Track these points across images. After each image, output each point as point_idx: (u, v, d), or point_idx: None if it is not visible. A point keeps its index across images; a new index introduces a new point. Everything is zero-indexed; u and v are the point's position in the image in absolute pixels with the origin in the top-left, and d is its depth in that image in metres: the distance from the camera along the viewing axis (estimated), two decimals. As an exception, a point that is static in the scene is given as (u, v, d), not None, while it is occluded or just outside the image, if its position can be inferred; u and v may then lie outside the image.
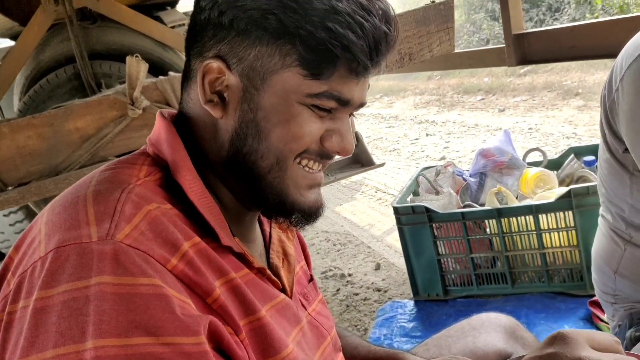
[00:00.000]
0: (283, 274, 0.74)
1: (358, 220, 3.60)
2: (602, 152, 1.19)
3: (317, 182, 0.69)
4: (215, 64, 0.63)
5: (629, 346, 1.21)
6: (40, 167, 1.72)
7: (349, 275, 2.73)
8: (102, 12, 2.49)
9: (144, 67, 1.64)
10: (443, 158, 4.75)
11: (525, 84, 7.30)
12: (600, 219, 1.29)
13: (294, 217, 0.69)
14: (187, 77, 0.69)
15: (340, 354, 0.83)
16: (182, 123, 0.69)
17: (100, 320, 0.49)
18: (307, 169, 0.67)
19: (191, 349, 0.51)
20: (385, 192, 4.07)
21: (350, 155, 2.81)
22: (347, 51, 0.60)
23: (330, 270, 2.84)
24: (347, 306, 2.41)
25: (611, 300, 1.27)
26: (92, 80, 2.42)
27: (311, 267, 0.88)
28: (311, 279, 0.84)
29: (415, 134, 6.26)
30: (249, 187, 0.67)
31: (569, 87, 6.46)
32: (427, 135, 6.08)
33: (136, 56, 1.63)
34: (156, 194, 0.61)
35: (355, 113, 0.71)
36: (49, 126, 1.69)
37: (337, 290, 2.58)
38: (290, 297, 0.72)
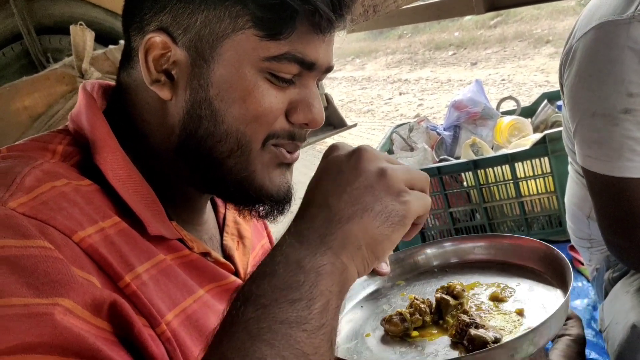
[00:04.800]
0: (237, 256, 0.69)
1: (335, 184, 3.56)
2: (563, 98, 1.17)
3: (287, 160, 0.62)
4: (159, 38, 0.56)
5: (608, 287, 1.19)
6: (-11, 152, 1.61)
7: (329, 239, 2.70)
8: (46, -17, 2.34)
9: (90, 35, 1.53)
10: (417, 115, 4.71)
11: (496, 35, 7.25)
12: (570, 167, 1.27)
13: (261, 206, 0.62)
14: (126, 55, 0.62)
15: None
16: (119, 102, 0.62)
17: None
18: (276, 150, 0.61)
19: (47, 309, 0.45)
20: (361, 154, 4.03)
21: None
22: (306, 3, 0.53)
23: (309, 236, 2.80)
24: (329, 271, 2.38)
25: (587, 245, 1.26)
26: (42, 56, 2.28)
27: (274, 244, 0.83)
28: None
29: (389, 94, 6.20)
30: (205, 173, 0.60)
31: (540, 35, 6.43)
32: (400, 94, 6.03)
33: (80, 24, 1.52)
34: (70, 173, 0.54)
35: (327, 76, 0.63)
36: (-6, 107, 1.58)
37: (318, 255, 2.56)
38: (243, 280, 0.67)
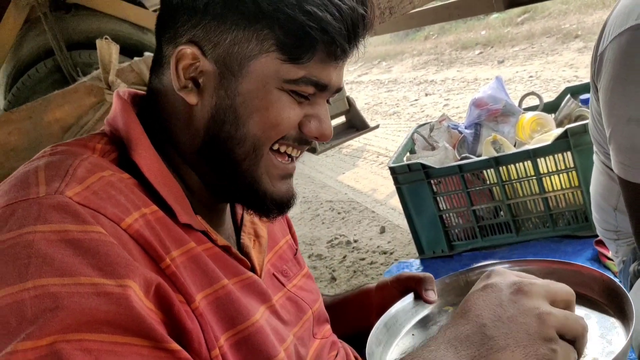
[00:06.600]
0: (253, 254, 0.73)
1: (361, 186, 3.57)
2: (593, 93, 1.14)
3: (289, 172, 0.69)
4: (190, 50, 0.61)
5: (633, 280, 1.18)
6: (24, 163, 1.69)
7: (355, 241, 2.71)
8: (75, 1, 2.44)
9: (115, 48, 1.59)
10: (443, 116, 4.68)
11: (523, 32, 7.13)
12: (595, 157, 1.25)
13: (265, 207, 0.68)
14: (158, 62, 0.67)
15: (327, 326, 0.81)
16: (149, 107, 0.68)
17: (43, 262, 0.48)
18: (280, 159, 0.66)
19: (115, 290, 0.49)
20: (386, 156, 4.02)
21: (345, 121, 2.74)
22: (325, 34, 0.60)
23: (335, 238, 2.82)
24: (355, 272, 2.39)
25: (614, 237, 1.24)
26: (74, 71, 2.37)
27: (297, 240, 0.88)
28: (296, 253, 0.84)
29: (415, 95, 6.16)
30: (222, 174, 0.66)
31: (568, 30, 6.30)
32: (426, 95, 5.98)
33: (106, 38, 1.59)
34: (111, 166, 0.59)
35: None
36: (28, 119, 1.66)
37: (344, 257, 2.57)
38: (260, 277, 0.70)
